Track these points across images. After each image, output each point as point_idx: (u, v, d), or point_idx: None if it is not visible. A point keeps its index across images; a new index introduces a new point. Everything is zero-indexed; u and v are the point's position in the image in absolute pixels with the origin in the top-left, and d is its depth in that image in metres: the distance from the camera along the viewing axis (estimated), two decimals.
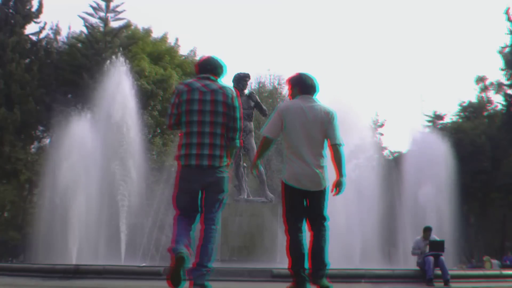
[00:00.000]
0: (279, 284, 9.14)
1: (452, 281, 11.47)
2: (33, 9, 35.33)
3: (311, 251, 5.60)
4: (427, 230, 12.98)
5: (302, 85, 5.81)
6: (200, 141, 5.02)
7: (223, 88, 5.22)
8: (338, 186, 5.71)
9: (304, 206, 5.66)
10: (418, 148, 26.61)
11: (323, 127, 5.63)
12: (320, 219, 5.68)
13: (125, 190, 22.40)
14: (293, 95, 5.89)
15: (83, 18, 36.58)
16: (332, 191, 5.71)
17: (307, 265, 5.60)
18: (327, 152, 5.79)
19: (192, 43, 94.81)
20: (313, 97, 5.82)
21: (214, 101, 5.10)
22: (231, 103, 5.20)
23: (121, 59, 25.69)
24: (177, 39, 41.87)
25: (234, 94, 5.31)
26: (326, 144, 5.76)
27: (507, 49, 37.58)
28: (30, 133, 35.16)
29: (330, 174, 5.87)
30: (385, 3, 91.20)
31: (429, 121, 42.67)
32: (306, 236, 5.74)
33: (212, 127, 5.06)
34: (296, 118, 5.56)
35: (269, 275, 9.72)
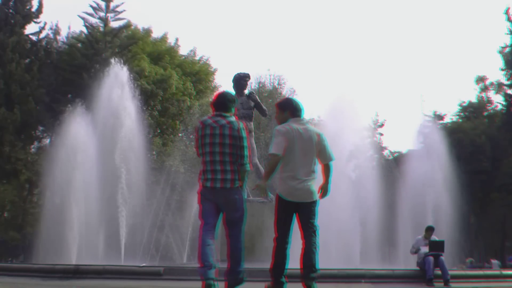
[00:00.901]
0: None
1: (452, 281, 11.46)
2: (33, 9, 35.34)
3: (303, 256, 6.31)
4: (429, 230, 12.97)
5: (293, 109, 6.48)
6: (213, 168, 6.02)
7: (230, 123, 6.08)
8: (323, 188, 6.46)
9: (293, 217, 6.35)
10: (418, 147, 26.63)
11: (316, 147, 6.34)
12: (312, 227, 6.37)
13: (125, 190, 22.39)
14: (282, 117, 6.49)
15: (83, 18, 36.65)
16: (318, 192, 6.40)
17: (286, 272, 6.38)
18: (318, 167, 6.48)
19: (192, 43, 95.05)
20: (303, 118, 6.52)
21: (221, 134, 6.01)
22: (237, 134, 6.05)
23: (120, 60, 25.70)
24: (177, 39, 41.95)
25: (241, 126, 6.14)
26: (317, 160, 6.43)
27: (507, 49, 37.58)
28: (30, 133, 35.14)
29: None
30: (385, 3, 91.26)
31: (429, 121, 42.60)
32: (291, 244, 6.43)
33: (221, 156, 6.00)
34: (296, 139, 6.22)
35: (269, 275, 9.72)
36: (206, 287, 5.79)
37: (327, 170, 6.51)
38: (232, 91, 16.65)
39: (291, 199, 6.26)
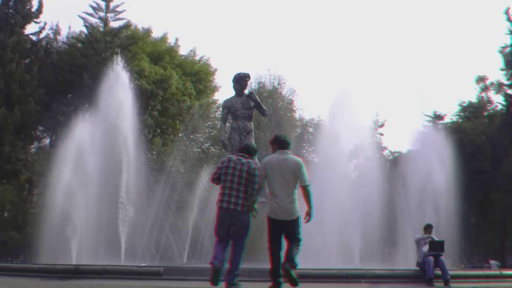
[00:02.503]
0: None
1: (452, 281, 11.46)
2: (33, 9, 35.33)
3: (286, 252, 7.85)
4: (428, 228, 12.96)
5: (278, 143, 8.20)
6: (229, 192, 7.94)
7: (248, 163, 8.12)
8: (308, 215, 7.85)
9: (282, 231, 7.89)
10: (418, 148, 26.59)
11: (294, 173, 7.86)
12: (295, 240, 7.86)
13: (125, 190, 22.37)
14: (273, 150, 8.22)
15: (83, 18, 36.64)
16: (304, 219, 7.83)
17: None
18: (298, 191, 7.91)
19: (192, 43, 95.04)
20: (287, 150, 8.11)
21: (240, 169, 8.01)
22: (252, 172, 8.04)
23: (120, 60, 25.64)
24: (177, 39, 41.89)
25: (256, 166, 8.13)
26: (298, 185, 7.87)
27: (507, 49, 37.55)
28: (30, 133, 35.11)
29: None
30: (386, 3, 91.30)
31: (429, 121, 42.58)
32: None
33: (237, 185, 7.94)
34: (275, 168, 7.88)
35: (267, 274, 9.75)
36: (213, 269, 7.83)
37: (306, 194, 7.87)
38: (233, 92, 16.70)
39: (276, 218, 7.86)
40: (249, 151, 8.39)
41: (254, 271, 10.42)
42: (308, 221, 7.82)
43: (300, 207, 7.95)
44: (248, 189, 7.98)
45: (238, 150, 8.64)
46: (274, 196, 7.86)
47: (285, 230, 7.87)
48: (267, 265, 8.30)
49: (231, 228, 7.98)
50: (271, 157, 8.09)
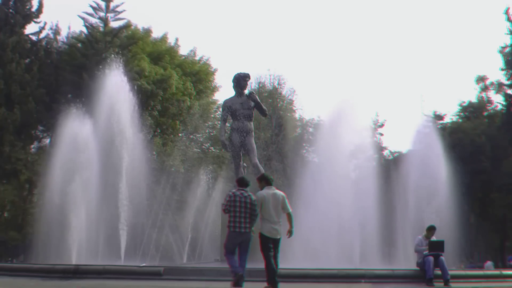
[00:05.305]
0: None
1: (452, 281, 11.48)
2: (33, 9, 35.37)
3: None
4: (431, 230, 12.88)
5: (266, 180, 10.61)
6: (239, 220, 10.19)
7: (249, 196, 10.38)
8: (290, 232, 10.34)
9: (271, 246, 10.23)
10: (418, 148, 26.55)
11: (281, 204, 10.35)
12: (277, 252, 10.24)
13: (125, 190, 22.37)
14: (261, 186, 10.56)
15: (83, 18, 36.67)
16: (286, 234, 10.34)
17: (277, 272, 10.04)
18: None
19: (192, 43, 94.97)
20: (272, 185, 10.54)
21: (244, 201, 10.28)
22: (253, 203, 10.30)
23: (120, 60, 25.63)
24: (177, 39, 41.90)
25: (255, 198, 10.32)
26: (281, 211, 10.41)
27: (507, 49, 37.54)
28: (30, 133, 35.13)
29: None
30: (386, 3, 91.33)
31: (429, 121, 42.42)
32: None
33: (244, 213, 10.24)
34: (268, 201, 10.28)
35: (265, 274, 9.79)
36: (234, 275, 9.85)
37: (290, 218, 10.41)
38: (233, 92, 16.70)
39: (271, 236, 10.13)
40: (246, 185, 10.64)
41: (254, 271, 10.58)
42: (290, 236, 10.35)
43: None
44: (251, 216, 10.26)
45: (237, 183, 10.77)
46: (268, 221, 10.15)
47: (273, 244, 10.18)
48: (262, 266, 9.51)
49: (237, 245, 10.24)
50: (264, 192, 10.38)
